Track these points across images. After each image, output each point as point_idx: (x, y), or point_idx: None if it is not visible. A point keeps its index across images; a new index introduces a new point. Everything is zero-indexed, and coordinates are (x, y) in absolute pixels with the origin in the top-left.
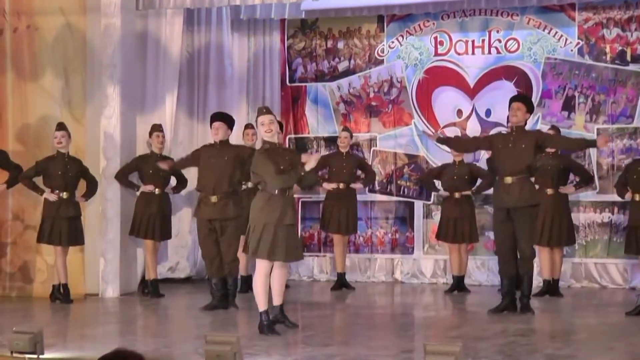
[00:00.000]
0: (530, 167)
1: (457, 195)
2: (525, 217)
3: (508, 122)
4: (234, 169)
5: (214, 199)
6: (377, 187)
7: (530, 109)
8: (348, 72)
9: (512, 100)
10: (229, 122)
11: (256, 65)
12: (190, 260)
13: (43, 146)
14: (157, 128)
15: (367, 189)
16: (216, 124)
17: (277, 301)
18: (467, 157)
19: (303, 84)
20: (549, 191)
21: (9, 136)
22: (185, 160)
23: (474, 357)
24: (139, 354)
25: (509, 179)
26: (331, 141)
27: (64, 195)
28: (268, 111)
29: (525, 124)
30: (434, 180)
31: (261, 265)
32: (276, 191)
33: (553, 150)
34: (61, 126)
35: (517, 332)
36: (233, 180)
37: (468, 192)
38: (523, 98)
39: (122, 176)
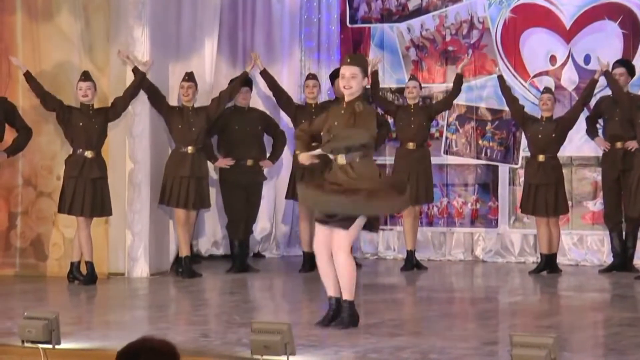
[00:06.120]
0: None
1: (541, 157)
2: None
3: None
4: None
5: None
6: (454, 148)
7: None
8: (420, 11)
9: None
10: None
11: (310, 2)
12: None
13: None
14: (184, 77)
15: (443, 150)
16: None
17: None
18: (558, 111)
19: (366, 25)
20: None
21: (19, 88)
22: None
23: (570, 350)
24: (169, 343)
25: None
26: (399, 93)
27: (88, 154)
28: (353, 61)
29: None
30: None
31: None
32: None
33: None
34: (86, 76)
35: (622, 322)
36: None
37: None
38: (623, 62)
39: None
